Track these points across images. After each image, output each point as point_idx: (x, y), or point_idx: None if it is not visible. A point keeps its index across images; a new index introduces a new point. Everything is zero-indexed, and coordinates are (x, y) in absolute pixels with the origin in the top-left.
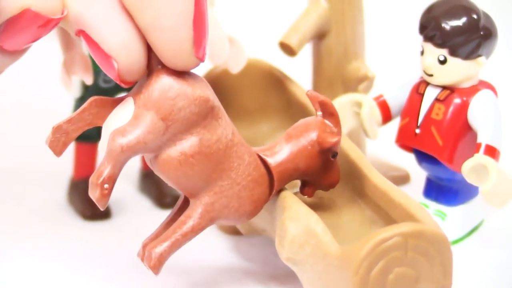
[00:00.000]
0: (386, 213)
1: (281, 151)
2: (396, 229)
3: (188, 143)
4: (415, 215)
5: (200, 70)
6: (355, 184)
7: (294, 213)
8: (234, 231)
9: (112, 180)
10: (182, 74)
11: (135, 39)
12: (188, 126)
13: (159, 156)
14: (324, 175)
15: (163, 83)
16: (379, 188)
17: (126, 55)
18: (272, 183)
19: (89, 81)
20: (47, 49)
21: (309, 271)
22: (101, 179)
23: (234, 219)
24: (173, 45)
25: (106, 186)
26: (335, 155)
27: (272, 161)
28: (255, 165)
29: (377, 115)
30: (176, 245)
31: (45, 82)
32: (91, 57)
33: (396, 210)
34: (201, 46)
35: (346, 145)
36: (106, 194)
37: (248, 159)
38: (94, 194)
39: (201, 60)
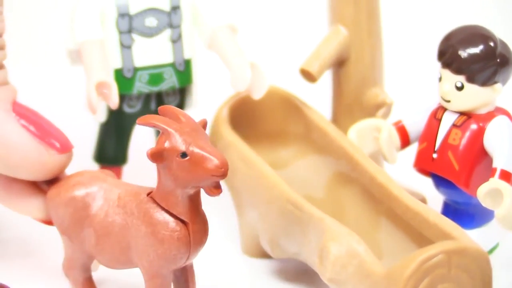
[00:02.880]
0: (419, 233)
1: (157, 184)
2: (440, 247)
3: (89, 236)
4: (451, 233)
5: (223, 97)
6: (385, 205)
7: (335, 234)
8: (261, 254)
9: None
10: (55, 186)
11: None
12: (79, 223)
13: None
14: (194, 174)
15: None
16: (411, 209)
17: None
18: (173, 214)
19: (114, 105)
20: (70, 74)
21: None
22: None
23: (171, 262)
24: (34, 166)
25: None
26: (183, 155)
27: (154, 194)
28: (144, 210)
29: (396, 140)
30: None
31: (68, 108)
32: (117, 82)
33: (430, 230)
34: (55, 144)
35: (372, 169)
36: None
37: (136, 209)
38: None
39: (67, 150)
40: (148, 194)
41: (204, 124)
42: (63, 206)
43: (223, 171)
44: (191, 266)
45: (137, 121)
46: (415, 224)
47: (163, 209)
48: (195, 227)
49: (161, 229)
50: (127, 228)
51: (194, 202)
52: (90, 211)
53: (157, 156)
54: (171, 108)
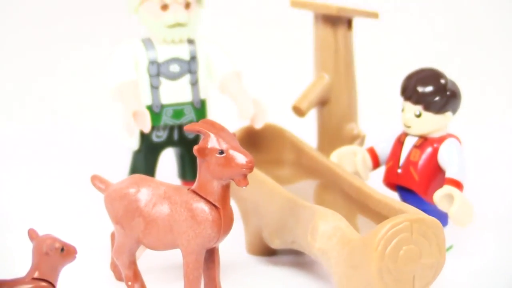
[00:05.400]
0: (388, 219)
1: (197, 177)
2: (404, 217)
3: (138, 223)
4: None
5: (231, 130)
6: (360, 202)
7: (323, 214)
8: (263, 252)
9: (129, 278)
10: (112, 186)
11: None
12: (131, 214)
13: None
14: (229, 168)
15: (105, 199)
16: (381, 201)
17: None
18: (209, 201)
19: (147, 130)
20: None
21: (336, 257)
22: (125, 281)
23: (206, 240)
24: None
25: (129, 283)
26: (220, 152)
27: (194, 187)
28: (186, 200)
29: (369, 162)
30: (194, 283)
31: (108, 141)
32: (149, 112)
33: (397, 215)
34: None
35: (350, 177)
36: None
37: (179, 199)
38: None
39: None
40: (188, 190)
41: (234, 135)
42: (119, 200)
43: (251, 166)
44: (217, 250)
45: (184, 128)
46: (385, 212)
47: (201, 198)
48: (225, 212)
49: (199, 213)
50: (172, 215)
51: (226, 192)
52: (140, 204)
53: (201, 151)
54: (209, 120)
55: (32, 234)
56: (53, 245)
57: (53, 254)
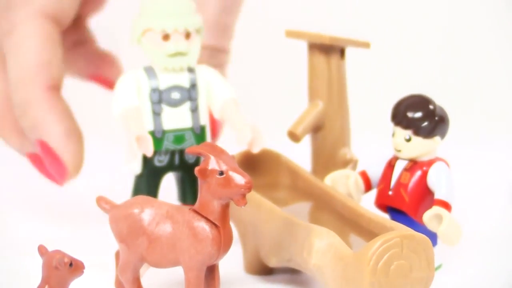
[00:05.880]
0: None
1: (198, 197)
2: (395, 233)
3: (142, 242)
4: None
5: (233, 151)
6: (353, 221)
7: (318, 232)
8: (260, 271)
9: None
10: (117, 206)
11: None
12: (135, 233)
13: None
14: (229, 188)
15: (110, 219)
16: (373, 219)
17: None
18: (209, 220)
19: (150, 153)
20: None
21: (330, 272)
22: None
23: (206, 257)
24: None
25: None
26: (220, 173)
27: (195, 206)
28: (187, 219)
29: (361, 185)
30: None
31: (113, 166)
32: (152, 138)
33: (388, 232)
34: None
35: (343, 198)
36: None
37: (181, 219)
38: None
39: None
40: (189, 209)
41: (233, 157)
42: (123, 220)
43: (249, 186)
44: (217, 268)
45: (186, 150)
46: (377, 231)
47: (202, 217)
48: (225, 231)
49: (201, 231)
50: (174, 233)
51: (225, 211)
52: (144, 223)
53: (202, 172)
54: (209, 143)
55: (42, 250)
56: (62, 260)
57: (62, 269)
